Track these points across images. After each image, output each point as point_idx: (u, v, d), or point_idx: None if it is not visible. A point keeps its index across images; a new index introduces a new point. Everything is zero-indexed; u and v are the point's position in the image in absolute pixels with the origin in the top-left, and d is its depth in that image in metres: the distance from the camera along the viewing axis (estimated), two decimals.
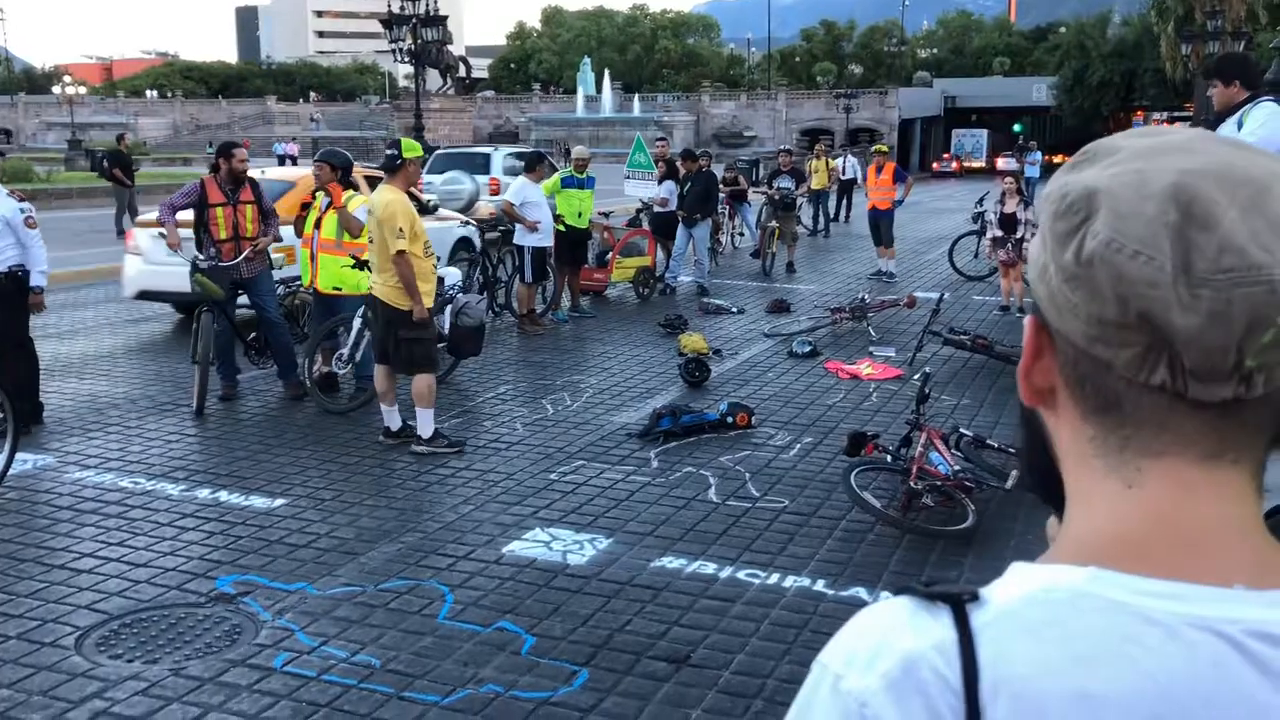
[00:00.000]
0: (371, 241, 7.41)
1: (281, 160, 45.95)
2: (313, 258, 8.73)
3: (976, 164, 62.03)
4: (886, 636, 0.75)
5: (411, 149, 7.52)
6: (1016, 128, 67.96)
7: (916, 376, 7.65)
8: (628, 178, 16.06)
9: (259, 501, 6.50)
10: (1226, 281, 0.70)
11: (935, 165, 60.92)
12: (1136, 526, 0.76)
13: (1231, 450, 0.76)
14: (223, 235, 8.64)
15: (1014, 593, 0.75)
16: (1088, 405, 0.78)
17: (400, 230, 7.15)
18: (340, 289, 8.65)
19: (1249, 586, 0.73)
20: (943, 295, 11.55)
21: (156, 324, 12.28)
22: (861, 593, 5.23)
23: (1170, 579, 0.73)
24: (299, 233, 9.07)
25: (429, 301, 7.53)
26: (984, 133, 66.94)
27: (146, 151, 50.59)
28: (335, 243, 8.57)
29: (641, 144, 16.18)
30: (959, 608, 0.74)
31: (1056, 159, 59.96)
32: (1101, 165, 0.78)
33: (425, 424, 7.49)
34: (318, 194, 8.76)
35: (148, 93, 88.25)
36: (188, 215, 8.72)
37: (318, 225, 8.66)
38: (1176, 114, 54.32)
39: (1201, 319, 0.71)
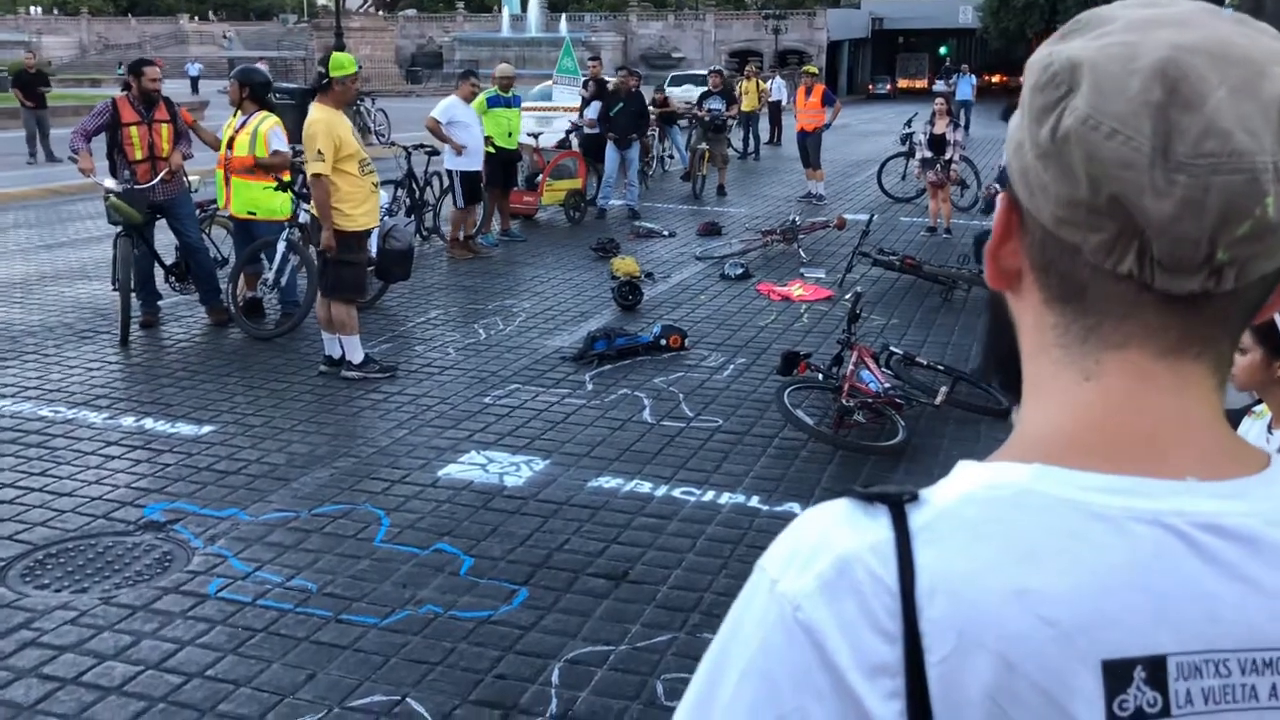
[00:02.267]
0: (305, 164, 7.20)
1: (195, 82, 44.43)
2: (226, 180, 8.44)
3: (920, 83, 62.26)
4: (823, 538, 0.73)
5: (340, 66, 7.22)
6: (943, 50, 68.12)
7: (847, 297, 7.71)
8: (555, 83, 15.79)
9: (186, 429, 6.37)
10: (1205, 167, 0.67)
11: (870, 87, 60.80)
12: (1090, 420, 0.75)
13: (1195, 344, 0.74)
14: (138, 155, 8.33)
15: (956, 491, 0.73)
16: (1052, 292, 0.76)
17: (320, 152, 6.94)
18: (255, 213, 8.38)
19: (1201, 479, 0.72)
20: (871, 217, 11.61)
21: (72, 250, 11.87)
22: (795, 508, 5.31)
23: (1120, 474, 0.72)
24: None
25: (371, 221, 7.36)
26: (925, 55, 67.34)
27: (54, 72, 48.49)
28: (243, 161, 8.24)
29: (570, 49, 15.89)
30: (897, 508, 0.72)
31: (994, 79, 60.37)
32: (1091, 35, 0.74)
33: (354, 350, 7.38)
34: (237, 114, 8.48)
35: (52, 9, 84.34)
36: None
37: (230, 145, 8.32)
38: None
39: (1175, 206, 0.67)
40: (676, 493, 5.51)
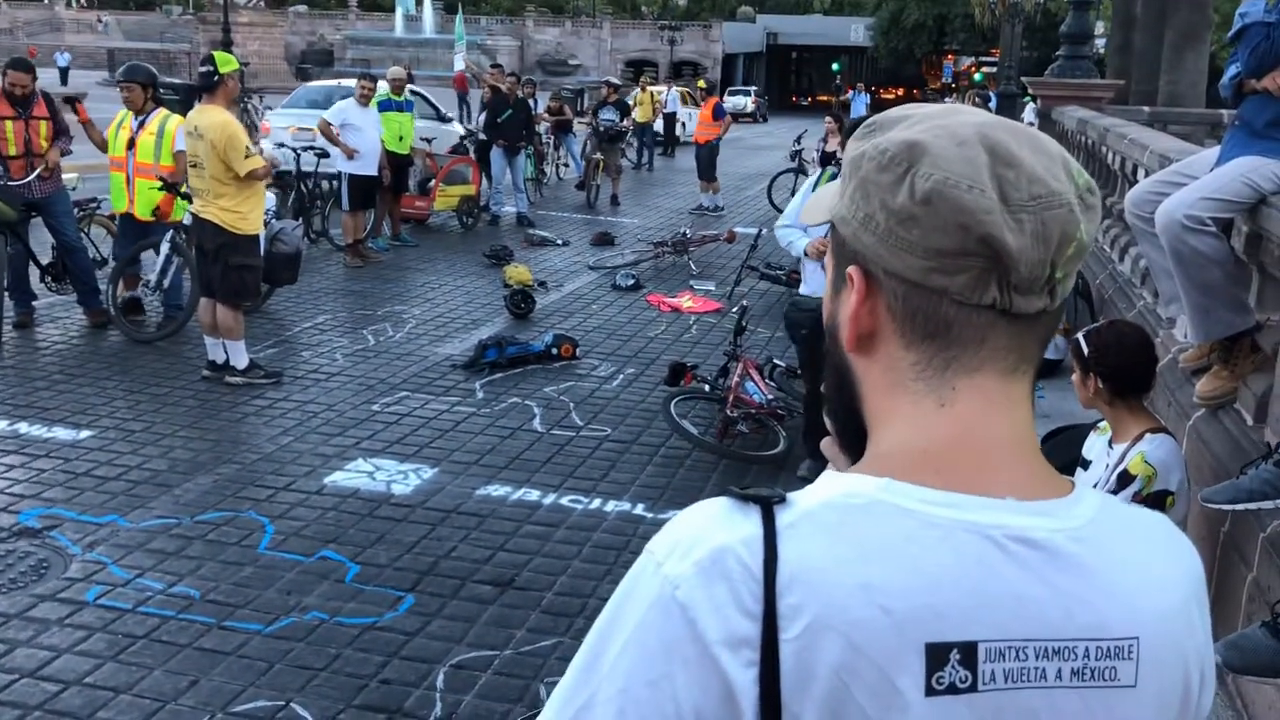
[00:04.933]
0: (195, 165, 7.07)
1: (64, 72, 42.58)
2: (128, 182, 8.21)
3: (824, 97, 63.78)
4: (703, 530, 0.86)
5: (227, 63, 7.18)
6: (835, 66, 69.62)
7: (734, 309, 7.91)
8: (455, 54, 15.80)
9: (63, 433, 6.22)
10: (1038, 206, 0.84)
11: (794, 99, 61.90)
12: (937, 442, 0.89)
13: (1025, 362, 0.90)
14: (12, 151, 8.08)
15: (817, 497, 0.87)
16: (915, 335, 0.89)
17: (248, 149, 6.97)
18: (157, 216, 8.20)
19: (1018, 499, 0.87)
20: (760, 231, 11.88)
21: None
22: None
23: (954, 490, 0.86)
24: None
25: (258, 225, 7.30)
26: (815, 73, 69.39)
27: None
28: (152, 166, 8.06)
29: (461, 20, 15.95)
30: (768, 508, 0.85)
31: (885, 95, 61.87)
32: (903, 127, 0.90)
33: (238, 355, 7.30)
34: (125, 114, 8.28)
35: None
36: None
37: (130, 147, 8.11)
38: (984, 59, 56.82)
39: (1028, 239, 0.84)
40: (564, 500, 5.61)
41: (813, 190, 4.08)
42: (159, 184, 7.97)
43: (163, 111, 8.21)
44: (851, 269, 0.92)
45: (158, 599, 4.40)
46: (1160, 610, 0.88)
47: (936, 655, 0.81)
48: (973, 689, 0.82)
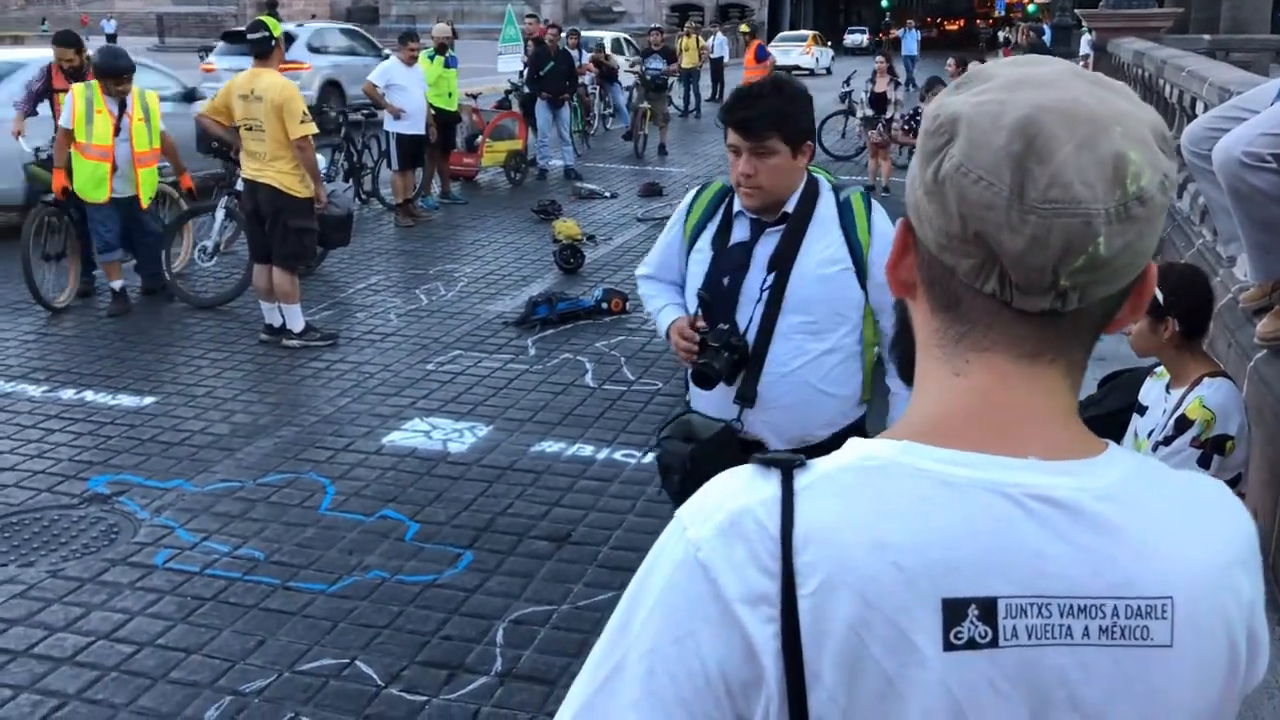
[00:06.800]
0: (251, 129, 7.12)
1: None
2: (115, 170, 7.74)
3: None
4: (726, 495, 0.89)
5: (277, 27, 7.35)
6: (884, 2, 68.14)
7: None
8: (500, 54, 15.78)
9: (127, 400, 6.38)
10: (1049, 211, 0.81)
11: (844, 38, 59.28)
12: (955, 408, 0.90)
13: (1050, 352, 0.89)
14: None
15: (836, 461, 0.89)
16: (935, 302, 0.91)
17: (305, 113, 7.02)
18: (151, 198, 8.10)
19: (1041, 459, 0.87)
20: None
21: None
22: None
23: (972, 450, 0.87)
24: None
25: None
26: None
27: None
28: (150, 153, 7.89)
29: (512, 18, 15.86)
30: (787, 472, 0.88)
31: (949, 26, 59.40)
32: (974, 90, 0.88)
33: (294, 318, 7.40)
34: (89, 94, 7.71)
35: None
36: None
37: (117, 134, 7.70)
38: None
39: (1025, 241, 0.82)
40: (618, 455, 5.65)
41: (686, 214, 3.08)
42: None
43: (135, 90, 7.86)
44: (901, 219, 0.94)
45: (224, 561, 4.52)
46: (1198, 571, 0.87)
47: (954, 610, 0.83)
48: (993, 644, 0.83)
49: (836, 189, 2.99)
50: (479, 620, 4.09)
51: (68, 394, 6.48)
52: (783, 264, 2.86)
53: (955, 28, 67.72)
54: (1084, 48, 17.16)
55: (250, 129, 7.10)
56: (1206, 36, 11.02)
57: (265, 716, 3.53)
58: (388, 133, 11.64)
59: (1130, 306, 0.90)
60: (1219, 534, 0.91)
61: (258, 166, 7.14)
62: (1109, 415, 3.27)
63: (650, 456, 5.61)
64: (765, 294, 2.86)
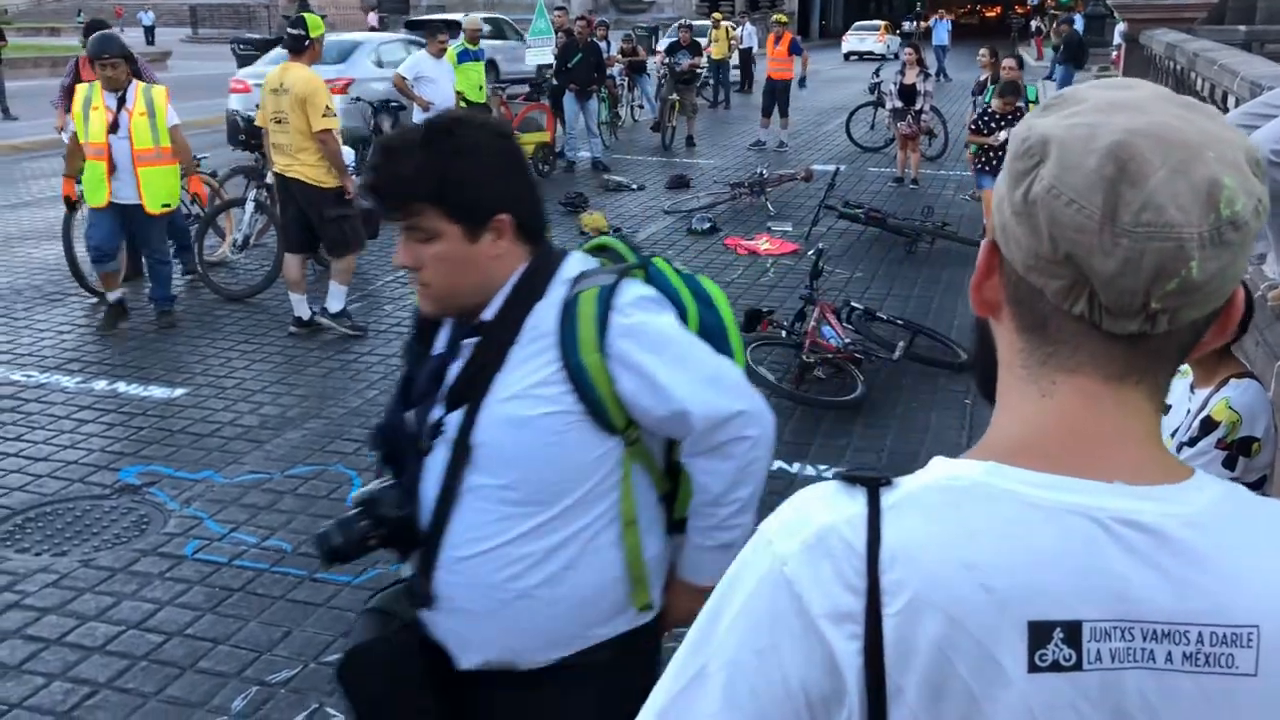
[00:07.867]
0: (279, 122, 7.19)
1: (149, 30, 43.20)
2: (112, 172, 7.14)
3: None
4: (811, 511, 0.91)
5: (317, 27, 7.36)
6: None
7: (811, 252, 7.84)
8: (529, 47, 15.79)
9: (158, 392, 6.46)
10: (1142, 234, 0.82)
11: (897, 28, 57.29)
12: (1042, 429, 0.91)
13: (1136, 374, 0.89)
14: None
15: (922, 481, 0.91)
16: (1022, 322, 0.92)
17: (328, 107, 7.10)
18: (170, 205, 7.48)
19: (1128, 483, 0.88)
20: (838, 169, 11.72)
21: (37, 210, 11.81)
22: None
23: (1059, 474, 0.88)
24: None
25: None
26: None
27: (9, 21, 47.40)
28: (154, 151, 7.23)
29: (543, 9, 15.85)
30: (873, 490, 0.89)
31: (987, 11, 57.91)
32: (1064, 113, 0.88)
33: (337, 298, 7.53)
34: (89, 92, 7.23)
35: None
36: None
37: (113, 131, 7.11)
38: None
39: (1117, 264, 0.83)
40: None
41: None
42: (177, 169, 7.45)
43: (139, 84, 7.31)
44: (985, 240, 0.95)
45: (252, 552, 4.58)
46: None
47: (1039, 633, 0.84)
48: (1077, 667, 0.84)
49: (577, 281, 1.92)
50: None
51: (100, 385, 6.57)
52: (466, 397, 1.91)
53: (994, 14, 66.99)
54: (1116, 38, 16.97)
55: (278, 121, 7.17)
56: (1242, 27, 10.86)
57: (291, 707, 3.59)
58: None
59: (1217, 329, 0.90)
60: None
61: (286, 161, 7.21)
62: None
63: None
64: (442, 441, 1.93)
